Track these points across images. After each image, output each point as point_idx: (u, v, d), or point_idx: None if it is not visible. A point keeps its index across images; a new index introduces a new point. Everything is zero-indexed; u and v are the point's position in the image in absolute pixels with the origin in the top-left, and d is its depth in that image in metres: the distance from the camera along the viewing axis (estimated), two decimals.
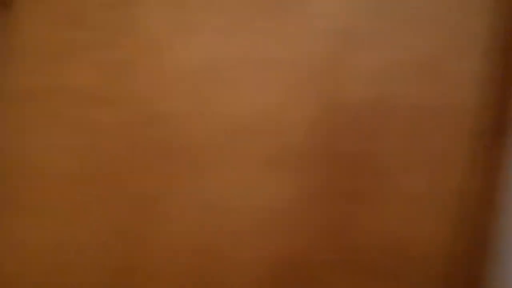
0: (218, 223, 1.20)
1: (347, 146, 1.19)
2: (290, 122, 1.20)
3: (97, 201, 1.17)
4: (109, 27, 1.16)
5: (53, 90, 1.15)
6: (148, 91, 1.18)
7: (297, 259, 1.18)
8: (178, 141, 1.19)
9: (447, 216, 1.19)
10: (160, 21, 1.17)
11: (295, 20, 1.21)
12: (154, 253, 1.19)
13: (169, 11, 1.17)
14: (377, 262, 1.18)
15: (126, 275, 1.18)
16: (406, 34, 1.22)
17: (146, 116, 1.18)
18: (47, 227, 1.16)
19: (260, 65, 1.21)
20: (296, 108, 1.20)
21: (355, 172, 1.18)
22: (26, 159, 1.15)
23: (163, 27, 1.17)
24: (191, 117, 1.19)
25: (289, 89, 1.20)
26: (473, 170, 1.18)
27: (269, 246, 1.19)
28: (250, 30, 1.20)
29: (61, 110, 1.16)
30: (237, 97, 1.21)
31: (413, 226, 1.18)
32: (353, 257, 1.18)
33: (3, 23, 1.11)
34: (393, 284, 1.17)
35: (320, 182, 1.18)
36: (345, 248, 1.18)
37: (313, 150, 1.19)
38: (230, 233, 1.20)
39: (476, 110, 1.20)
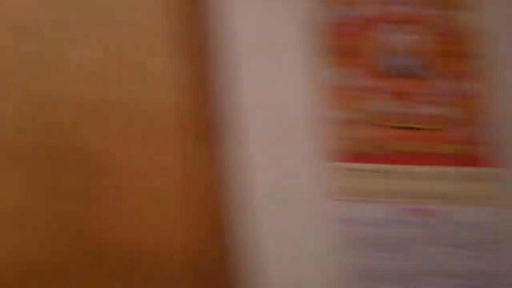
0: None
1: (63, 144, 1.17)
2: None
3: None
4: None
5: None
6: None
7: (39, 266, 1.15)
8: None
9: (175, 213, 1.19)
10: None
11: None
12: None
13: None
14: (117, 262, 1.16)
15: None
16: (103, 33, 1.22)
17: None
18: None
19: None
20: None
21: (77, 172, 1.17)
22: None
23: None
24: None
25: None
26: (193, 168, 1.20)
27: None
28: None
29: None
30: None
31: (144, 225, 1.18)
32: (93, 258, 1.16)
33: None
34: (130, 279, 1.16)
35: (44, 182, 1.15)
36: (84, 249, 1.16)
37: (27, 149, 1.16)
38: None
39: (189, 110, 1.21)
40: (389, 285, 1.21)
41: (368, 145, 1.25)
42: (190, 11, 1.26)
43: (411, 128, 1.27)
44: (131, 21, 1.24)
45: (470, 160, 1.27)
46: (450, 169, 1.27)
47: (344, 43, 1.28)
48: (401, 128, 1.26)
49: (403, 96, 1.28)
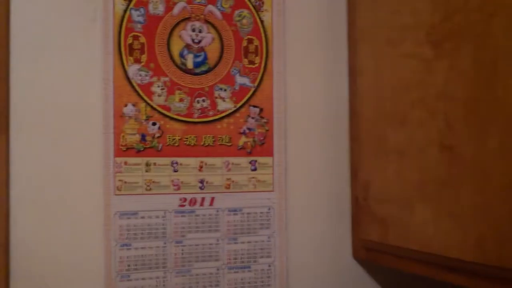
0: None
1: None
2: None
3: None
4: None
5: None
6: None
7: None
8: None
9: None
10: None
11: None
12: None
13: None
14: None
15: None
16: None
17: None
18: None
19: None
20: None
21: None
22: None
23: None
24: None
25: None
26: None
27: None
28: None
29: None
30: None
31: None
32: None
33: None
34: None
35: None
36: None
37: None
38: None
39: None
40: (162, 272, 1.30)
41: (148, 139, 1.30)
42: None
43: (188, 122, 1.33)
44: None
45: (241, 150, 1.38)
46: (221, 159, 1.36)
47: (134, 40, 1.30)
48: (176, 121, 1.32)
49: (182, 91, 1.33)
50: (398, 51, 1.26)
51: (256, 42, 1.41)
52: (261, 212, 1.39)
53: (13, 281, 1.19)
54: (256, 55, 1.41)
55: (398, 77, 1.26)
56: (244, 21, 1.40)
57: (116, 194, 1.27)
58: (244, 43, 1.40)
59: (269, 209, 1.40)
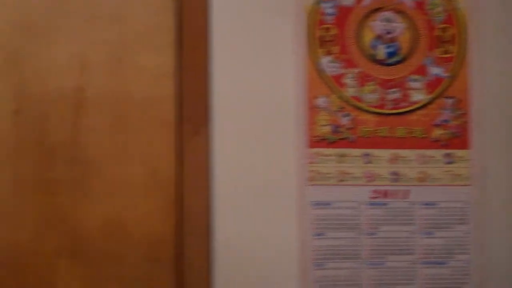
0: None
1: (55, 137, 1.21)
2: None
3: None
4: None
5: None
6: None
7: (22, 251, 1.19)
8: None
9: (160, 199, 1.23)
10: None
11: None
12: None
13: None
14: (99, 246, 1.21)
15: None
16: (93, 29, 1.25)
17: None
18: None
19: None
20: None
21: (66, 162, 1.21)
22: None
23: None
24: None
25: None
26: (179, 157, 1.24)
27: None
28: None
29: None
30: None
31: (129, 209, 1.22)
32: (76, 245, 1.21)
33: None
34: (116, 265, 1.21)
35: (31, 173, 1.20)
36: (67, 236, 1.20)
37: (18, 141, 1.20)
38: None
39: (175, 101, 1.26)
40: (356, 263, 1.29)
41: (340, 130, 1.30)
42: (179, 5, 1.27)
43: (380, 114, 1.32)
44: (121, 16, 1.26)
45: (435, 143, 1.33)
46: (415, 152, 1.32)
47: (325, 32, 1.32)
48: (368, 112, 1.31)
49: (374, 82, 1.32)
50: None
51: (451, 31, 1.36)
52: (458, 207, 1.34)
53: (215, 265, 1.24)
54: (452, 44, 1.35)
55: None
56: (438, 9, 1.35)
57: (309, 185, 1.29)
58: (438, 32, 1.35)
59: (466, 204, 1.34)
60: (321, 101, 1.31)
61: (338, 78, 1.31)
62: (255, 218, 1.27)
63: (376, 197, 1.31)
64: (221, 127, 1.27)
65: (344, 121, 1.31)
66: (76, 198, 1.22)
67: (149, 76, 1.27)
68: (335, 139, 1.30)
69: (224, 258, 1.25)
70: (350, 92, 1.31)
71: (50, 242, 1.21)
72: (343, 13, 1.33)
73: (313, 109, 1.30)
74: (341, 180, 1.30)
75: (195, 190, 1.25)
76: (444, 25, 1.36)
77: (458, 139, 1.34)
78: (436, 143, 1.33)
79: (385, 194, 1.31)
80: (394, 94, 1.33)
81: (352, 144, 1.31)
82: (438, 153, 1.34)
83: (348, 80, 1.32)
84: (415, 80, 1.34)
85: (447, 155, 1.34)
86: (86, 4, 1.26)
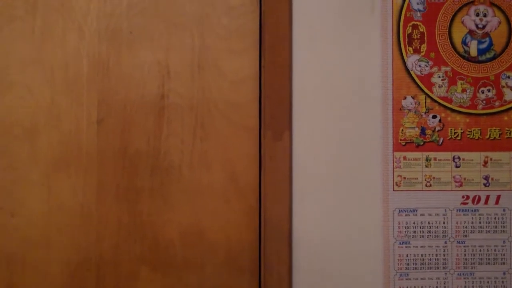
0: (13, 229, 1.21)
1: (136, 145, 1.22)
2: (72, 122, 1.21)
3: None
4: None
5: None
6: None
7: (104, 259, 1.21)
8: None
9: (240, 205, 1.23)
10: None
11: (61, 19, 1.23)
12: None
13: None
14: (179, 254, 1.21)
15: None
16: (175, 34, 1.24)
17: None
18: None
19: (29, 66, 1.22)
20: (78, 108, 1.21)
21: (148, 170, 1.21)
22: None
23: None
24: None
25: (66, 89, 1.22)
26: (261, 162, 1.22)
27: (72, 248, 1.21)
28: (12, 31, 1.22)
29: None
30: (13, 99, 1.22)
31: (210, 217, 1.22)
32: (157, 251, 1.21)
33: None
34: (196, 273, 1.21)
35: (114, 181, 1.21)
36: (148, 244, 1.21)
37: (102, 149, 1.21)
38: (26, 238, 1.21)
39: (256, 106, 1.24)
40: (443, 273, 1.24)
41: (428, 133, 1.25)
42: (261, 8, 1.25)
43: (471, 114, 1.25)
44: (203, 20, 1.25)
45: None
46: (508, 154, 1.25)
47: (414, 30, 1.25)
48: (458, 113, 1.25)
49: (465, 81, 1.25)
50: None
51: None
52: None
53: (296, 273, 1.23)
54: None
55: None
56: None
57: (395, 190, 1.24)
58: None
59: None
60: (408, 102, 1.25)
61: (426, 78, 1.25)
62: (337, 225, 1.24)
63: (465, 203, 1.24)
64: (303, 132, 1.24)
65: (433, 123, 1.25)
66: (156, 206, 1.23)
67: (231, 81, 1.26)
68: (423, 142, 1.24)
69: (305, 265, 1.23)
70: (439, 92, 1.25)
71: (131, 250, 1.22)
72: (433, 9, 1.26)
73: (400, 111, 1.25)
74: (429, 186, 1.24)
75: (275, 197, 1.22)
76: None
77: None
78: None
79: (476, 199, 1.25)
80: (486, 93, 1.25)
81: (441, 147, 1.25)
82: None
83: (437, 79, 1.25)
84: (509, 78, 1.26)
85: None
86: (168, 10, 1.25)
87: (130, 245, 1.22)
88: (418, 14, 1.26)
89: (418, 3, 1.26)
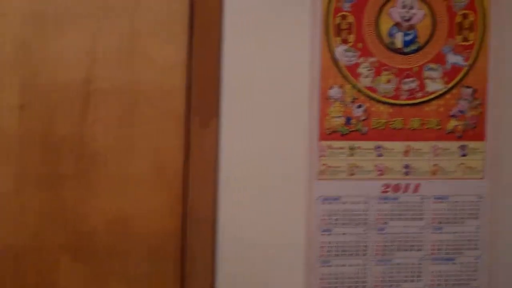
0: None
1: (60, 130, 1.18)
2: None
3: None
4: None
5: None
6: None
7: (25, 247, 1.17)
8: None
9: (166, 193, 1.22)
10: None
11: None
12: None
13: None
14: (103, 242, 1.20)
15: None
16: (103, 18, 1.20)
17: None
18: None
19: None
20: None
21: (72, 156, 1.19)
22: None
23: None
24: None
25: None
26: (188, 149, 1.22)
27: None
28: None
29: None
30: None
31: (135, 205, 1.21)
32: (80, 239, 1.19)
33: None
34: (120, 261, 1.20)
35: (36, 167, 1.17)
36: (71, 232, 1.19)
37: (23, 135, 1.17)
38: None
39: (185, 93, 1.23)
40: (363, 259, 1.27)
41: (353, 122, 1.27)
42: None
43: (394, 104, 1.28)
44: (133, 5, 1.22)
45: (451, 134, 1.30)
46: (429, 144, 1.29)
47: (342, 20, 1.26)
48: (383, 103, 1.27)
49: (390, 72, 1.28)
50: None
51: (471, 17, 1.30)
52: (470, 201, 1.31)
53: (220, 261, 1.23)
54: (471, 31, 1.30)
55: None
56: None
57: (319, 179, 1.26)
58: (458, 19, 1.30)
59: (479, 198, 1.31)
60: (335, 92, 1.26)
61: (353, 68, 1.27)
62: (261, 213, 1.25)
63: (386, 191, 1.28)
64: (230, 119, 1.24)
65: (357, 112, 1.27)
66: (81, 193, 1.20)
67: (159, 67, 1.23)
68: (347, 131, 1.27)
69: (229, 253, 1.23)
70: (364, 82, 1.27)
71: (53, 239, 1.19)
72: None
73: (326, 100, 1.26)
74: (352, 174, 1.27)
75: (201, 184, 1.22)
76: (465, 11, 1.30)
77: (473, 130, 1.31)
78: (451, 135, 1.30)
79: (396, 188, 1.28)
80: (410, 84, 1.28)
81: (364, 136, 1.27)
82: (453, 145, 1.30)
83: (363, 70, 1.27)
84: (432, 69, 1.30)
85: (462, 147, 1.30)
86: None
87: (52, 233, 1.19)
88: (347, 4, 1.27)
89: None
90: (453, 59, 1.30)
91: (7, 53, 1.17)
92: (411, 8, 1.28)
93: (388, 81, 1.28)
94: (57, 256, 1.19)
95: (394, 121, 1.28)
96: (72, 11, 1.20)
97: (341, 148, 1.27)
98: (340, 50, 1.26)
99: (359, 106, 1.27)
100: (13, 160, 1.18)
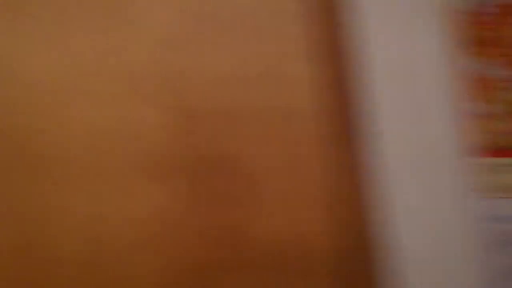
0: (102, 239, 1.19)
1: (211, 151, 1.19)
2: (150, 129, 1.19)
3: None
4: None
5: None
6: None
7: (195, 267, 1.19)
8: (38, 155, 1.19)
9: (322, 214, 1.18)
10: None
11: (125, 30, 1.20)
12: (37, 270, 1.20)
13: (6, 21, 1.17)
14: (267, 262, 1.19)
15: None
16: (237, 42, 1.20)
17: None
18: None
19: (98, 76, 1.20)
20: (154, 116, 1.19)
21: (224, 176, 1.19)
22: None
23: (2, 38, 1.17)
24: (46, 130, 1.18)
25: (142, 98, 1.19)
26: (332, 171, 1.18)
27: (162, 258, 1.20)
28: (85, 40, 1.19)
29: None
30: (92, 108, 1.19)
31: (293, 226, 1.19)
32: (246, 258, 1.19)
33: None
34: (287, 281, 1.19)
35: (193, 188, 1.19)
36: (236, 251, 1.19)
37: (179, 157, 1.19)
38: (116, 248, 1.19)
39: (324, 114, 1.19)
40: None
41: (510, 138, 1.21)
42: (327, 17, 1.23)
43: None
44: (268, 28, 1.23)
45: None
46: None
47: (485, 32, 1.23)
48: None
49: None
50: None
51: None
52: None
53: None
54: None
55: None
56: None
57: (486, 197, 1.19)
58: None
59: None
60: (493, 106, 1.21)
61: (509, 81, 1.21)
62: (421, 235, 1.19)
63: None
64: (381, 136, 1.19)
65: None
66: (236, 213, 1.21)
67: (293, 88, 1.22)
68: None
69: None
70: None
71: (220, 259, 1.21)
72: (504, 10, 1.22)
73: (489, 115, 1.20)
74: None
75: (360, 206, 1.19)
76: None
77: None
78: None
79: None
80: None
81: None
82: None
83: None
84: None
85: None
86: (233, 19, 1.22)
87: (215, 252, 1.21)
88: (489, 17, 1.23)
89: (489, 6, 1.22)
90: None
91: (162, 78, 1.21)
92: None
93: None
94: (220, 274, 1.21)
95: None
96: (210, 36, 1.22)
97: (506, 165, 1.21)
98: (486, 64, 1.22)
99: None
100: (171, 179, 1.20)
